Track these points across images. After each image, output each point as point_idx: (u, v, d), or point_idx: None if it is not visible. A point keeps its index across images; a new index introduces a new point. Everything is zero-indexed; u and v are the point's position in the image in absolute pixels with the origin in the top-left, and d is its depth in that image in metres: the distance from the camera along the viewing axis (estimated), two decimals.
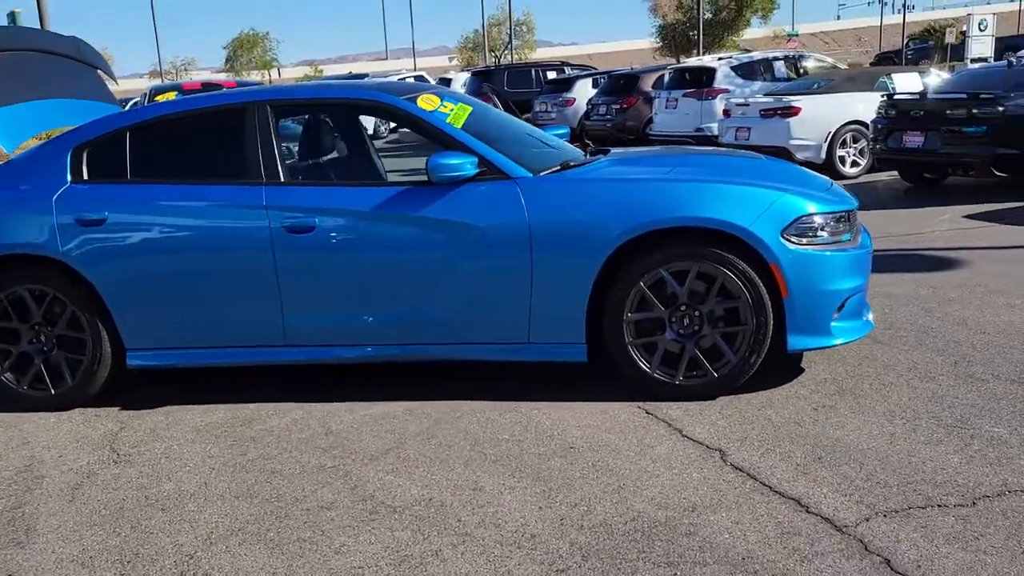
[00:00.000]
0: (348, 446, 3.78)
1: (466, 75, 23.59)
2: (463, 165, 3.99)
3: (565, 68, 21.34)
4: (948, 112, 9.11)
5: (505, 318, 4.10)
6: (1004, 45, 38.05)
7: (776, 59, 14.38)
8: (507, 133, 4.64)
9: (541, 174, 4.13)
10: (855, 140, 11.38)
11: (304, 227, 4.11)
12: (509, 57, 51.42)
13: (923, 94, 9.94)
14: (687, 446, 3.56)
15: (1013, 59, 11.85)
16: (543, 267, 3.99)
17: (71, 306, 4.33)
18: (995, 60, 33.82)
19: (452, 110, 4.37)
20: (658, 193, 3.96)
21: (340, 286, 4.16)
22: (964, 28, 37.11)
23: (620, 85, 16.57)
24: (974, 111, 8.91)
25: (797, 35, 42.95)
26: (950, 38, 40.40)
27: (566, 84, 18.50)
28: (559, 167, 4.26)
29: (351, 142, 5.08)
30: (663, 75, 15.37)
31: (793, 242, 3.89)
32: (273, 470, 3.60)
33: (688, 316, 3.99)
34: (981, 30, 35.80)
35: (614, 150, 5.04)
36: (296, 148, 4.92)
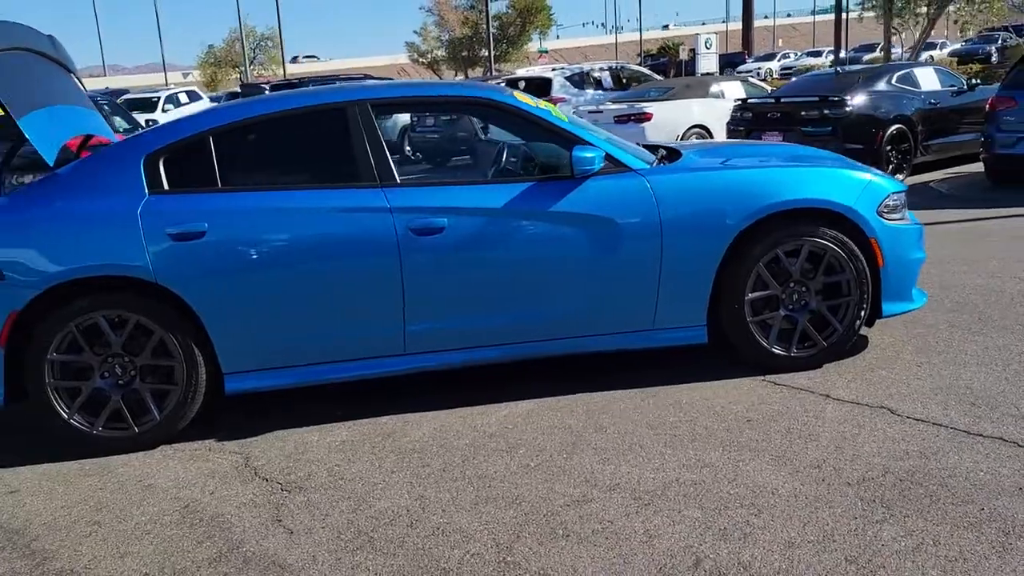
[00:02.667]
0: (525, 445, 3.72)
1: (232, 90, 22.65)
2: (596, 159, 4.06)
3: (366, 81, 21.13)
4: (803, 113, 10.19)
5: (633, 307, 4.21)
6: (724, 61, 42.58)
7: (603, 70, 15.23)
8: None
9: (653, 167, 4.28)
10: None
11: (433, 228, 3.98)
12: (249, 73, 49.74)
13: (778, 98, 11.02)
14: (849, 408, 3.87)
15: (839, 68, 13.39)
16: (672, 255, 4.14)
17: (159, 331, 3.88)
18: (719, 74, 37.49)
19: (551, 108, 4.40)
20: (772, 179, 4.25)
21: (469, 288, 4.06)
22: (693, 46, 41.02)
23: None
24: (825, 112, 10.04)
25: (547, 51, 45.29)
26: (683, 55, 44.39)
27: None
28: (660, 161, 4.43)
29: (456, 139, 4.93)
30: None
31: (885, 218, 4.33)
32: (480, 475, 3.47)
33: (797, 292, 4.31)
34: (707, 48, 39.69)
35: (681, 144, 5.24)
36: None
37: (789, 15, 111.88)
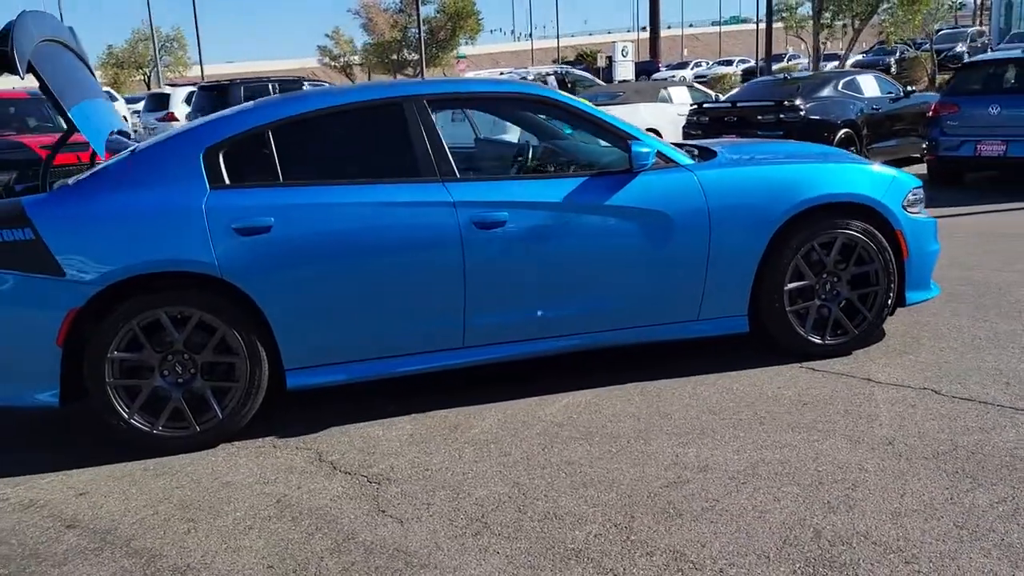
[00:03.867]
0: (598, 432, 3.81)
1: (187, 90, 22.07)
2: (652, 154, 4.19)
3: (303, 82, 20.86)
4: (759, 117, 10.58)
5: (682, 298, 4.35)
6: (638, 69, 43.53)
7: (549, 75, 15.43)
8: None
9: (698, 163, 4.44)
10: None
11: (494, 222, 4.03)
12: (159, 74, 48.30)
13: (734, 102, 11.39)
14: (894, 390, 4.09)
15: (787, 75, 13.89)
16: (718, 247, 4.30)
17: (223, 327, 3.82)
18: (635, 80, 38.23)
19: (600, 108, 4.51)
20: (810, 174, 4.45)
21: (528, 280, 4.13)
22: (610, 54, 41.80)
23: None
24: (780, 116, 10.45)
25: (465, 56, 45.46)
26: (601, 62, 45.14)
27: None
28: (699, 157, 4.59)
29: (504, 134, 4.96)
30: None
31: (908, 211, 4.59)
32: (566, 461, 3.55)
33: (830, 282, 4.52)
34: (624, 56, 40.59)
35: (712, 143, 5.40)
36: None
37: (691, 25, 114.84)
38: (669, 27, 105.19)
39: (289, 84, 20.10)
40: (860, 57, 41.15)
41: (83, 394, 3.83)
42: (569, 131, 4.89)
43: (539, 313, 4.17)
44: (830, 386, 4.17)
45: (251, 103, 4.36)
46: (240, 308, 3.85)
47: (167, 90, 22.86)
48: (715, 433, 3.73)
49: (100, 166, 3.98)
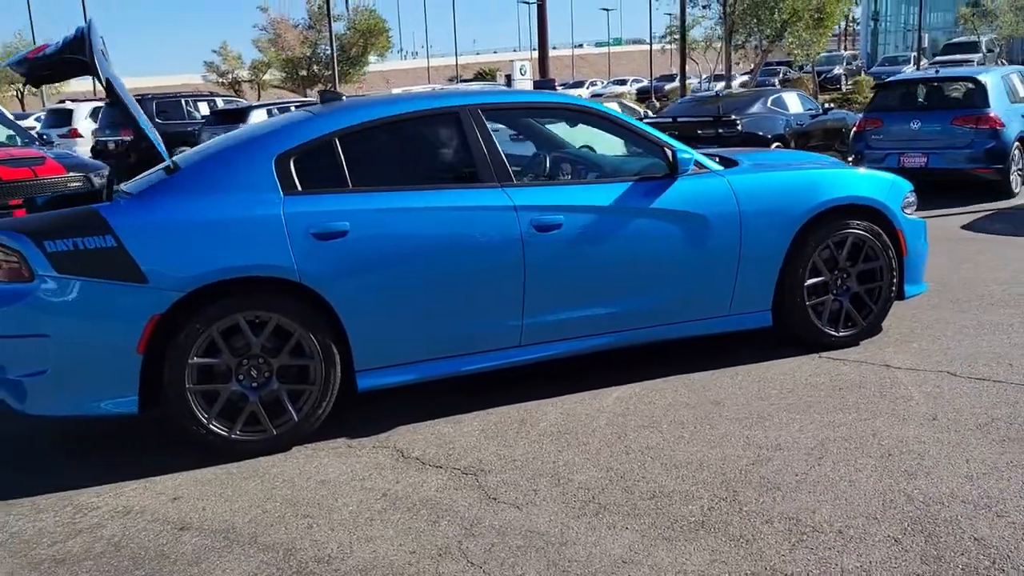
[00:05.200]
0: (664, 420, 4.05)
1: (91, 105, 21.29)
2: (692, 160, 4.49)
3: (216, 99, 20.46)
4: (699, 131, 11.09)
5: (716, 294, 4.65)
6: (536, 86, 44.46)
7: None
8: None
9: (727, 168, 4.76)
10: None
11: (551, 225, 4.24)
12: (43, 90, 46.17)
13: (674, 117, 11.88)
14: (915, 374, 4.48)
15: (721, 92, 14.51)
16: (748, 246, 4.63)
17: (299, 331, 3.89)
18: None
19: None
20: (826, 178, 4.84)
21: (580, 281, 4.35)
22: (509, 72, 42.49)
23: None
24: (719, 130, 10.99)
25: (365, 74, 45.33)
26: (500, 80, 45.80)
27: (240, 115, 17.86)
28: (723, 164, 4.91)
29: (550, 142, 5.14)
30: None
31: (906, 212, 5.04)
32: (646, 447, 3.77)
33: (841, 278, 4.92)
34: (522, 75, 41.33)
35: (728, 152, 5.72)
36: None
37: (581, 46, 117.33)
38: (555, 48, 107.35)
39: (201, 99, 19.72)
40: (746, 78, 43.15)
41: (158, 402, 3.82)
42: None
43: (590, 311, 4.39)
44: (855, 373, 4.54)
45: (303, 113, 4.43)
46: (315, 312, 3.92)
47: (70, 105, 22.00)
48: (771, 417, 4.02)
49: (160, 174, 3.98)
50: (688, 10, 25.83)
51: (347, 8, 38.44)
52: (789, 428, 3.88)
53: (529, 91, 5.19)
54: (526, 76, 40.93)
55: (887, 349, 4.88)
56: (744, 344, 4.99)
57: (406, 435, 4.06)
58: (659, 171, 4.55)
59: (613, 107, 13.73)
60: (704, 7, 27.64)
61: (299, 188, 3.95)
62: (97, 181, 8.63)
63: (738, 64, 32.70)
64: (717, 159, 5.08)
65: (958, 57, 36.87)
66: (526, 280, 4.22)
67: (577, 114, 4.78)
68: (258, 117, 17.86)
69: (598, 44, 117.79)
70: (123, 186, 4.30)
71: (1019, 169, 10.42)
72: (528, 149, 5.04)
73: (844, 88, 35.04)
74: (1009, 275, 6.47)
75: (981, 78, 10.33)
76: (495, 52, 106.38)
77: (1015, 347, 4.78)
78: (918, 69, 34.43)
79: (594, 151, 5.16)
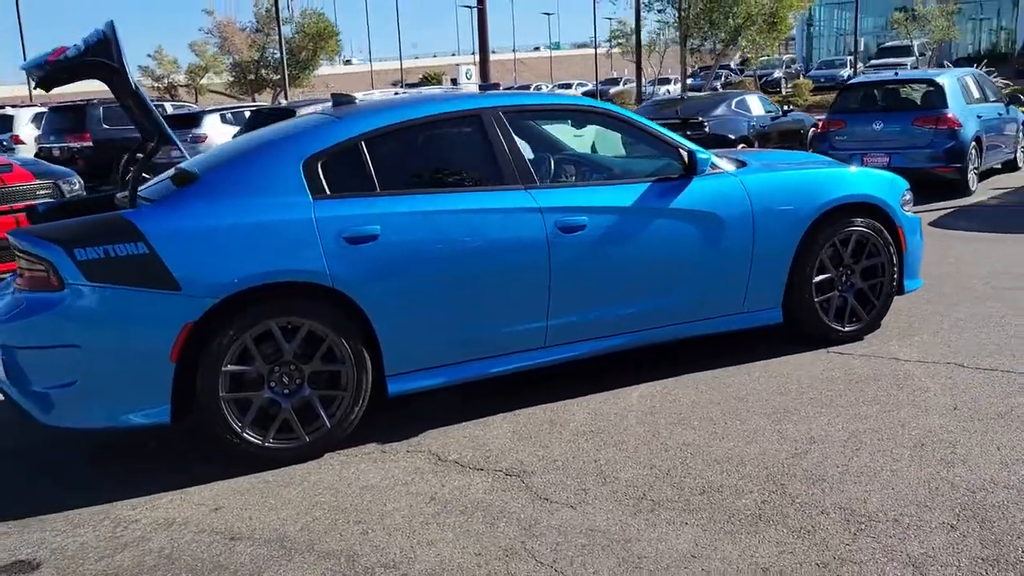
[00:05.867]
0: (694, 417, 4.10)
1: (33, 111, 20.64)
2: (709, 161, 4.56)
3: (164, 105, 20.06)
4: None
5: (731, 292, 4.73)
6: (482, 90, 44.55)
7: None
8: None
9: (738, 169, 4.85)
10: None
11: (576, 226, 4.27)
12: None
13: None
14: (924, 366, 4.62)
15: (686, 95, 14.69)
16: (761, 244, 4.72)
17: (331, 336, 3.85)
18: None
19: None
20: (832, 178, 4.97)
21: (603, 281, 4.38)
22: (455, 76, 42.49)
23: (272, 121, 16.38)
24: (687, 132, 11.14)
25: (315, 78, 44.98)
26: (446, 84, 45.75)
27: (193, 120, 17.57)
28: (737, 165, 4.99)
29: (553, 145, 5.15)
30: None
31: (905, 210, 5.19)
32: (682, 444, 3.81)
33: (846, 274, 5.04)
34: (468, 79, 41.40)
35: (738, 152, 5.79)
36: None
37: (515, 51, 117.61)
38: (494, 52, 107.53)
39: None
40: (689, 80, 43.79)
41: (189, 412, 3.75)
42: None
43: (612, 312, 4.43)
44: (867, 366, 4.66)
45: (322, 115, 4.38)
46: (346, 316, 3.89)
47: (9, 111, 21.31)
48: (797, 411, 4.11)
49: (200, 178, 3.89)
50: (643, 14, 26.20)
51: (289, 10, 38.07)
52: (818, 421, 3.97)
53: (548, 94, 5.19)
54: (472, 80, 41.00)
55: (891, 343, 5.02)
56: (749, 342, 5.07)
57: (438, 439, 4.05)
58: (673, 172, 4.61)
59: None
60: (659, 11, 28.04)
61: (327, 192, 3.92)
62: (66, 188, 8.39)
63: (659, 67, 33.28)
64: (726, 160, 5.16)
65: (891, 61, 38.01)
66: (551, 281, 4.24)
67: (598, 116, 4.82)
68: (212, 123, 17.65)
69: (535, 48, 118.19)
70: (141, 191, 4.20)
71: (975, 168, 10.78)
72: (538, 151, 5.05)
73: (784, 91, 35.88)
74: (988, 270, 6.70)
75: (939, 80, 10.67)
76: (435, 56, 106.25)
77: (1013, 338, 4.96)
78: (855, 72, 35.43)
79: (596, 153, 5.20)
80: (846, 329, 5.05)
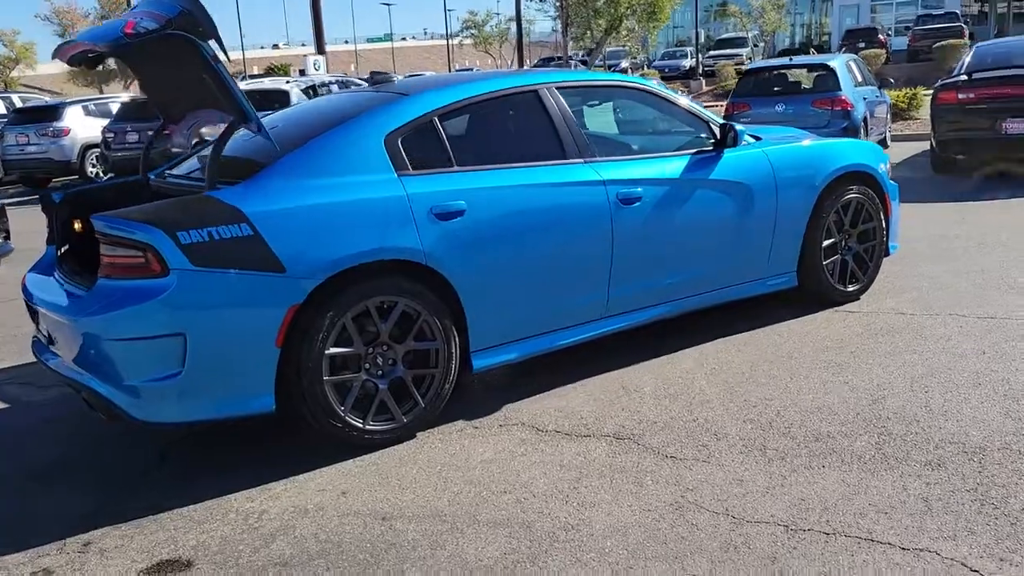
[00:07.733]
0: (761, 375, 4.31)
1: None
2: (744, 134, 4.80)
3: (11, 97, 18.61)
4: None
5: (758, 258, 4.99)
6: (372, 76, 43.72)
7: (332, 83, 15.36)
8: None
9: (759, 140, 5.12)
10: None
11: (634, 197, 4.40)
12: None
13: None
14: (930, 318, 5.04)
15: None
16: (783, 212, 5.00)
17: (424, 314, 3.82)
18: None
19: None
20: (836, 149, 5.33)
21: (656, 251, 4.53)
22: (303, 68, 41.48)
23: (146, 111, 15.53)
24: None
25: None
26: (294, 75, 44.51)
27: (50, 112, 16.45)
28: (752, 138, 5.24)
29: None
30: None
31: (890, 178, 5.63)
32: (765, 398, 4.02)
33: (845, 239, 5.42)
34: (316, 69, 40.53)
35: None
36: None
37: (347, 42, 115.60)
38: (329, 44, 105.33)
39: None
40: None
41: (289, 399, 3.62)
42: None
43: (660, 281, 4.58)
44: (881, 321, 5.04)
45: (384, 92, 4.30)
46: (436, 293, 3.86)
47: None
48: (849, 364, 4.40)
49: (281, 155, 3.72)
50: (524, 3, 26.47)
51: None
52: (874, 371, 4.27)
53: (596, 72, 5.26)
54: (320, 71, 40.12)
55: (888, 300, 5.43)
56: (752, 310, 5.29)
57: (524, 411, 4.08)
58: (704, 145, 4.81)
59: None
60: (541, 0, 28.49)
61: (410, 168, 3.86)
62: None
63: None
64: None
65: (728, 52, 40.17)
66: (613, 252, 4.34)
67: (640, 93, 4.94)
68: (73, 114, 16.59)
69: (369, 40, 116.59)
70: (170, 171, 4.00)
71: None
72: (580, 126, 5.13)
73: None
74: (938, 232, 7.30)
75: (831, 64, 11.45)
76: (261, 48, 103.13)
77: (996, 290, 5.47)
78: (697, 63, 37.19)
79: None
80: (848, 289, 5.42)
